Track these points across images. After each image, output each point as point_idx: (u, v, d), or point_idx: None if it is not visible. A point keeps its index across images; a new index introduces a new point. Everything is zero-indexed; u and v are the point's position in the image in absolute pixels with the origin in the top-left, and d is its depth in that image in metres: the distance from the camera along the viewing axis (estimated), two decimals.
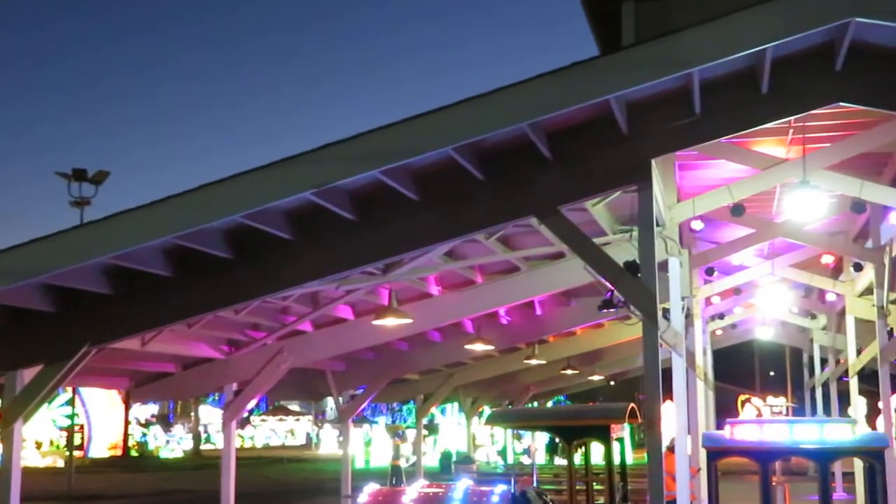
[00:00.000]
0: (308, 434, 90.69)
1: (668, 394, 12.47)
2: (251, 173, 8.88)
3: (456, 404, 45.98)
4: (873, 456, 11.85)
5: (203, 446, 77.00)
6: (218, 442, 69.95)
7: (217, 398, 64.92)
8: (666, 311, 12.91)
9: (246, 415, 76.98)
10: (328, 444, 76.99)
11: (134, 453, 72.17)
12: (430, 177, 9.56)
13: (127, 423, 72.35)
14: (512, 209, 9.78)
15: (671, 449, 14.97)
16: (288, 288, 10.85)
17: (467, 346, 19.47)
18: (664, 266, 12.77)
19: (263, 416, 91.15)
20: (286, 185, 8.88)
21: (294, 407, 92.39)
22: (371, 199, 9.65)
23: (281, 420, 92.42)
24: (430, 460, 46.07)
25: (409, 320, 15.00)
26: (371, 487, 16.72)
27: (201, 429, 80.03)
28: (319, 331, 16.66)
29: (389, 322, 14.93)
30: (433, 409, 38.69)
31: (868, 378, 25.19)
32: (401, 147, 8.70)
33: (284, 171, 8.87)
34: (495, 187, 9.58)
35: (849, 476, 24.34)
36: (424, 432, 40.43)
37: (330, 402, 71.22)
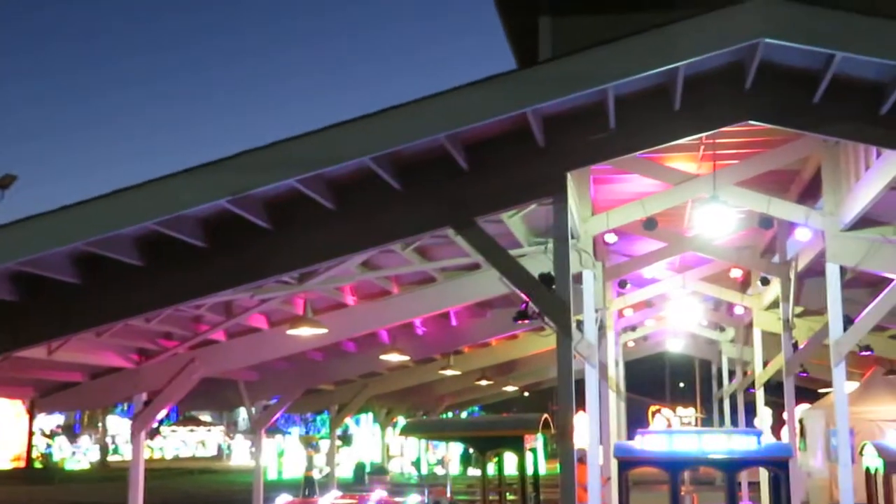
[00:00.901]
0: (220, 445, 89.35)
1: (581, 405, 12.62)
2: (165, 180, 8.74)
3: (370, 415, 45.80)
4: (778, 465, 12.14)
5: (110, 458, 75.30)
6: (126, 453, 68.44)
7: (126, 408, 63.58)
8: (580, 323, 13.07)
9: (156, 425, 75.48)
10: (240, 455, 75.97)
11: (38, 465, 70.17)
12: (348, 186, 9.53)
13: (31, 433, 70.35)
14: (429, 220, 9.80)
15: (581, 459, 15.13)
16: (202, 296, 10.70)
17: (382, 357, 19.42)
18: (578, 278, 12.94)
19: (174, 427, 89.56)
20: (200, 192, 8.76)
21: (205, 417, 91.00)
22: (287, 208, 9.57)
23: (192, 431, 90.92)
24: (344, 471, 45.77)
25: (324, 330, 14.90)
26: (283, 499, 16.58)
27: (109, 440, 78.27)
28: (233, 340, 16.45)
29: (304, 332, 14.81)
30: (347, 420, 38.49)
31: (774, 389, 25.83)
32: (317, 156, 8.66)
33: (199, 177, 8.75)
34: (412, 198, 9.59)
35: (754, 485, 24.89)
36: (338, 443, 40.17)
37: (242, 413, 70.36)
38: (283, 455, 56.36)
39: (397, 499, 16.81)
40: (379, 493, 17.28)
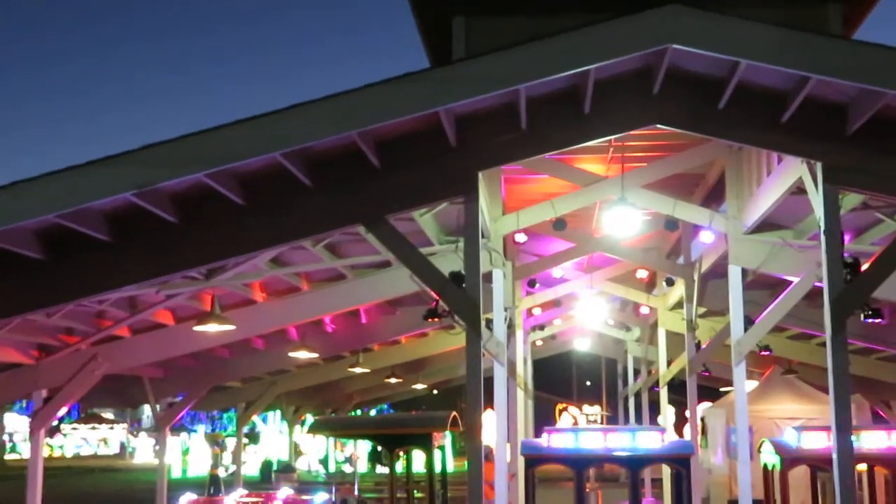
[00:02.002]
0: (122, 443, 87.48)
1: (490, 402, 12.70)
2: (68, 171, 8.53)
3: (278, 412, 45.36)
4: (680, 463, 12.42)
5: (8, 456, 73.11)
6: (24, 451, 66.57)
7: (24, 405, 61.81)
8: (489, 322, 13.14)
9: (56, 423, 73.57)
10: (144, 453, 74.47)
11: None
12: (258, 181, 9.43)
13: None
14: (339, 217, 9.76)
15: (487, 457, 15.24)
16: (105, 292, 10.48)
17: (291, 354, 19.25)
18: (488, 277, 13.01)
19: (75, 425, 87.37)
20: (105, 186, 8.57)
21: (108, 415, 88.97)
22: (195, 202, 9.43)
23: (94, 428, 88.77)
24: (251, 469, 45.28)
25: (232, 327, 14.71)
26: (188, 497, 16.33)
27: (6, 437, 75.97)
28: (137, 336, 16.12)
29: (211, 328, 14.59)
30: (255, 418, 38.08)
31: (677, 388, 26.34)
32: (227, 151, 8.56)
33: (104, 170, 8.56)
34: (323, 194, 9.54)
35: (657, 482, 25.37)
36: (245, 441, 39.70)
37: (146, 410, 69.00)
38: (188, 453, 55.46)
39: (304, 497, 16.68)
40: (285, 491, 17.12)
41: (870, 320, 9.73)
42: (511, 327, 16.98)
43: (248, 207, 9.49)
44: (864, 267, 9.19)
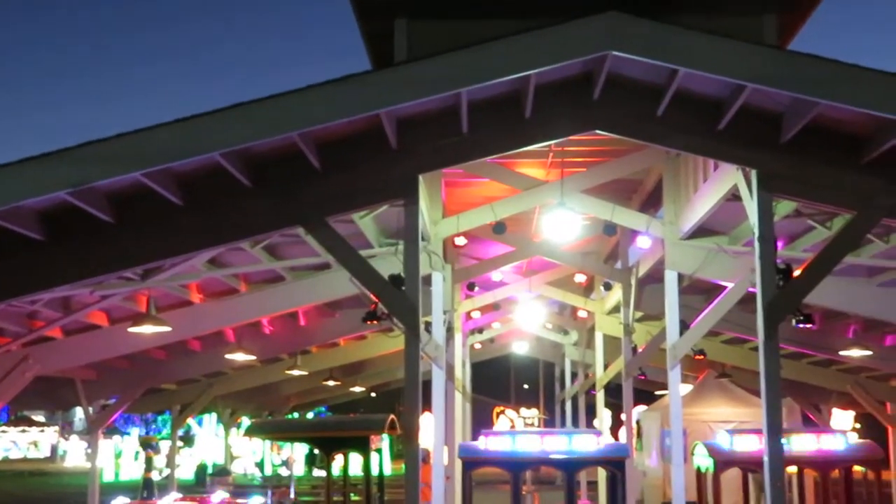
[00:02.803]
0: (53, 446, 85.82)
1: (428, 405, 12.71)
2: (0, 169, 8.36)
3: (214, 415, 44.87)
4: (615, 465, 12.53)
5: None
6: None
7: None
8: (428, 325, 13.17)
9: None
10: (75, 456, 73.14)
11: None
12: (196, 181, 9.34)
13: None
14: (279, 218, 9.70)
15: (424, 460, 15.25)
16: (38, 292, 10.27)
17: (228, 356, 19.05)
18: (428, 280, 13.02)
19: (4, 427, 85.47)
20: (39, 184, 8.42)
21: (39, 417, 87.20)
22: (132, 202, 9.30)
23: (23, 431, 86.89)
24: (185, 473, 44.72)
25: (168, 328, 14.51)
26: (120, 502, 16.07)
27: None
28: (70, 337, 15.83)
29: (147, 329, 14.38)
30: (190, 420, 37.62)
31: (613, 391, 26.62)
32: (164, 150, 8.46)
33: (38, 168, 8.41)
34: (263, 195, 9.48)
35: (593, 484, 25.59)
36: (180, 444, 39.20)
37: (79, 413, 67.80)
38: (120, 456, 54.59)
39: (240, 500, 16.51)
40: (220, 494, 16.93)
41: (801, 325, 9.93)
42: (450, 330, 17.00)
43: (186, 207, 9.38)
44: (797, 273, 9.37)
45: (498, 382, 54.06)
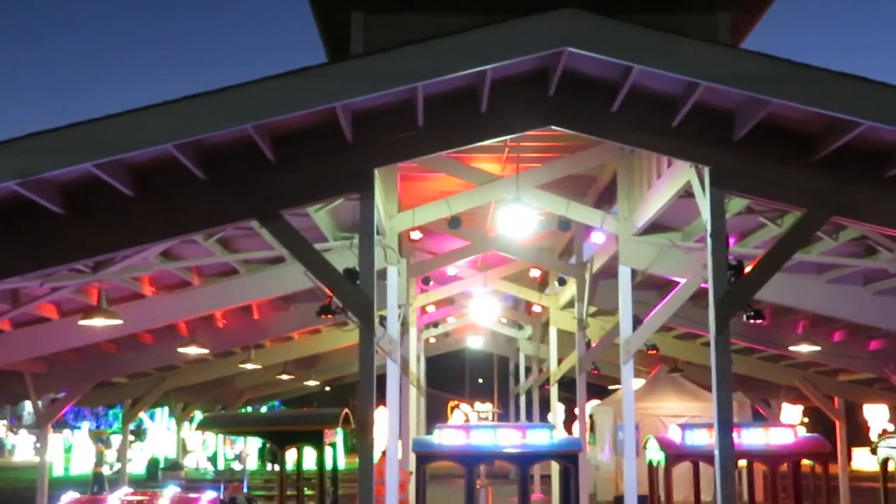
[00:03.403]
0: (1, 440, 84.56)
1: (382, 399, 12.70)
2: None
3: (166, 409, 44.49)
4: (568, 459, 12.61)
5: None
6: None
7: None
8: (383, 319, 13.15)
9: None
10: (24, 450, 72.11)
11: None
12: (149, 173, 9.23)
13: None
14: (233, 211, 9.63)
15: (383, 454, 15.25)
16: None
17: (181, 350, 18.90)
18: (383, 274, 13.01)
19: None
20: None
21: None
22: (83, 193, 9.18)
23: None
24: (137, 467, 44.27)
25: (120, 321, 14.37)
26: (70, 496, 15.87)
27: None
28: (19, 330, 15.60)
29: (98, 322, 14.22)
30: (141, 414, 37.26)
31: (567, 386, 26.80)
32: (116, 141, 8.36)
33: None
34: (217, 188, 9.40)
35: (546, 478, 25.74)
36: (131, 438, 38.82)
37: (28, 406, 66.85)
38: (70, 451, 53.93)
39: (192, 495, 16.37)
40: (172, 489, 16.79)
41: (752, 321, 10.06)
42: (405, 324, 17.00)
43: (139, 199, 9.28)
44: (748, 269, 9.49)
45: (452, 377, 54.18)
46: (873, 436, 36.20)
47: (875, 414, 39.58)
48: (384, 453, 14.52)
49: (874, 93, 8.49)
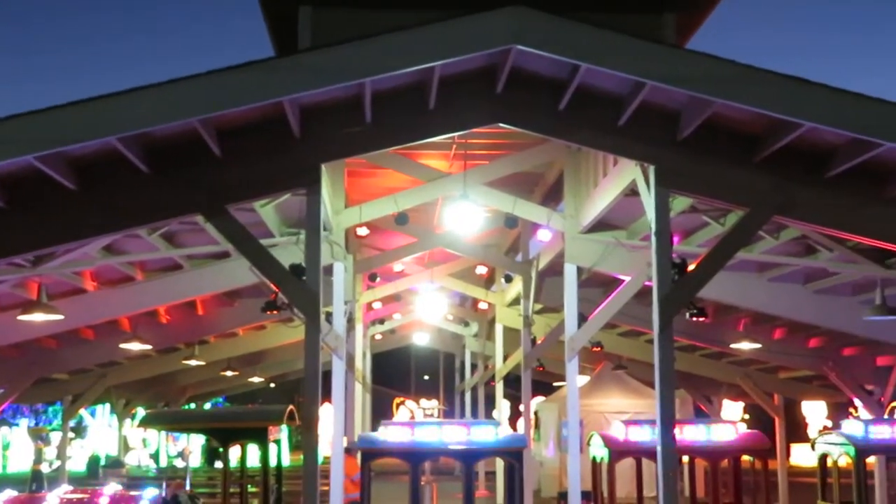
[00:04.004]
0: None
1: (328, 396, 12.65)
2: None
3: (108, 405, 43.92)
4: (513, 456, 12.64)
5: None
6: None
7: None
8: (329, 315, 13.10)
9: None
10: None
11: None
12: (92, 166, 9.10)
13: None
14: (177, 205, 9.53)
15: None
16: None
17: (123, 345, 18.64)
18: (329, 270, 12.96)
19: None
20: None
21: None
22: (23, 186, 9.02)
23: None
24: (77, 464, 43.62)
25: (60, 316, 14.13)
26: (7, 494, 15.59)
27: None
28: None
29: (37, 317, 13.97)
30: (82, 411, 36.71)
31: (512, 382, 26.91)
32: (58, 133, 8.22)
33: None
34: (161, 182, 9.29)
35: (491, 475, 25.83)
36: (71, 435, 38.24)
37: None
38: (8, 448, 52.97)
39: (133, 493, 16.17)
40: (113, 486, 16.56)
41: (695, 318, 10.18)
42: (351, 321, 16.97)
43: (81, 193, 9.14)
44: (691, 268, 9.60)
45: (398, 373, 54.18)
46: (811, 432, 36.91)
47: (813, 410, 40.30)
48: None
49: (815, 94, 8.64)
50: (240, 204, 9.95)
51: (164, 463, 43.33)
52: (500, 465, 21.15)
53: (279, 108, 8.83)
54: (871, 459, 16.98)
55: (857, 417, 17.44)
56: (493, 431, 12.59)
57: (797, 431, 39.41)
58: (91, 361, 21.35)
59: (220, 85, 8.42)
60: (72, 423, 29.93)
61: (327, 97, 9.11)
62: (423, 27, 8.56)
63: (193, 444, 40.84)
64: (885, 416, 19.05)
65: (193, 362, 23.59)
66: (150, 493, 14.47)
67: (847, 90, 8.66)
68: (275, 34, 12.34)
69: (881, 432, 14.45)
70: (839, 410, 30.88)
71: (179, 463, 42.09)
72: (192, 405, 37.84)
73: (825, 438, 15.13)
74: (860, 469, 13.98)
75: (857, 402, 20.40)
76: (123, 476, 31.16)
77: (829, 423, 40.04)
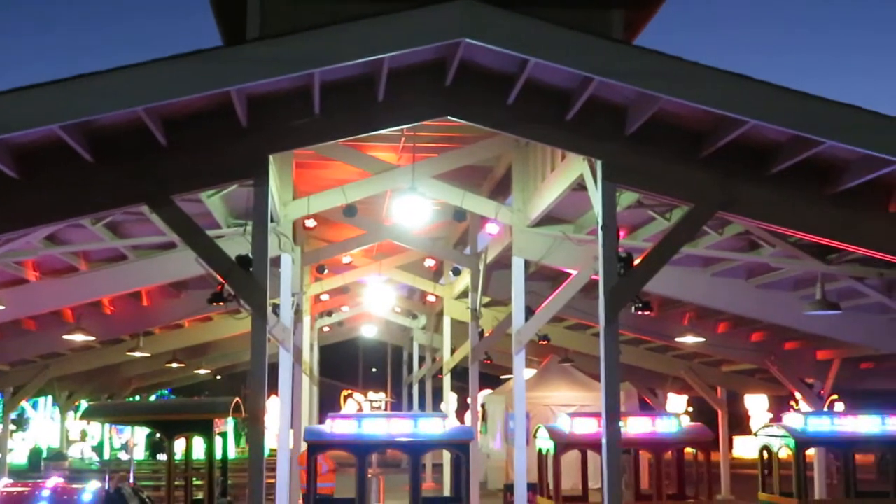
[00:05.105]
0: None
1: (274, 388, 12.59)
2: None
3: (50, 398, 43.32)
4: (460, 448, 12.71)
5: None
6: None
7: None
8: (276, 307, 13.03)
9: None
10: None
11: None
12: (35, 154, 8.95)
13: None
14: (122, 195, 9.41)
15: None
16: None
17: (66, 336, 18.39)
18: (276, 262, 12.89)
19: None
20: None
21: None
22: None
23: None
24: (18, 457, 42.94)
25: (1, 307, 13.92)
26: None
27: None
28: None
29: None
30: (24, 403, 36.14)
31: (460, 375, 26.98)
32: None
33: None
34: (106, 171, 9.17)
35: (438, 467, 25.88)
36: (12, 427, 37.63)
37: None
38: None
39: (75, 486, 15.95)
40: (55, 480, 16.33)
41: (640, 312, 10.29)
42: (298, 313, 16.88)
43: (23, 181, 8.99)
44: (637, 262, 9.70)
45: (346, 366, 54.04)
46: (754, 425, 37.46)
47: (755, 403, 40.90)
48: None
49: (759, 92, 8.77)
50: (186, 194, 9.86)
51: (107, 456, 42.81)
52: (447, 457, 21.20)
53: (227, 97, 8.75)
54: (811, 451, 17.30)
55: (798, 410, 17.75)
56: (440, 424, 12.64)
57: (739, 424, 39.99)
58: (33, 353, 21.05)
59: (166, 74, 8.32)
60: (13, 416, 29.44)
61: (276, 88, 9.06)
62: (373, 19, 8.54)
63: (138, 437, 40.40)
64: (825, 409, 19.47)
65: (138, 354, 23.33)
66: (93, 486, 14.27)
67: (790, 88, 8.80)
68: (223, 24, 12.22)
69: (820, 425, 14.76)
70: (780, 403, 31.41)
71: (123, 456, 41.62)
72: (137, 397, 37.43)
73: (766, 431, 15.40)
74: (800, 461, 14.25)
75: (797, 395, 20.81)
76: (66, 469, 30.73)
77: (771, 416, 40.72)
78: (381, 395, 44.15)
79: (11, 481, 16.86)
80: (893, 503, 14.54)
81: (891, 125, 8.76)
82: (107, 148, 9.08)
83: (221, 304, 9.93)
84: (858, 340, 17.12)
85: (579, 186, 11.06)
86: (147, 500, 15.28)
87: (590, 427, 13.94)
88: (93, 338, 18.97)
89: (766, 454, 15.20)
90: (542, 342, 17.90)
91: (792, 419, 15.01)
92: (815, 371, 20.40)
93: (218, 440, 13.77)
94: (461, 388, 30.82)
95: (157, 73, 8.29)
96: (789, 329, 18.04)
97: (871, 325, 16.26)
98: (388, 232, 18.33)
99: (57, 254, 14.09)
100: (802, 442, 14.42)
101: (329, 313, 29.91)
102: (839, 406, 22.27)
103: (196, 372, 33.36)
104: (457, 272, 21.08)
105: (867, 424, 14.62)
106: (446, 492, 20.62)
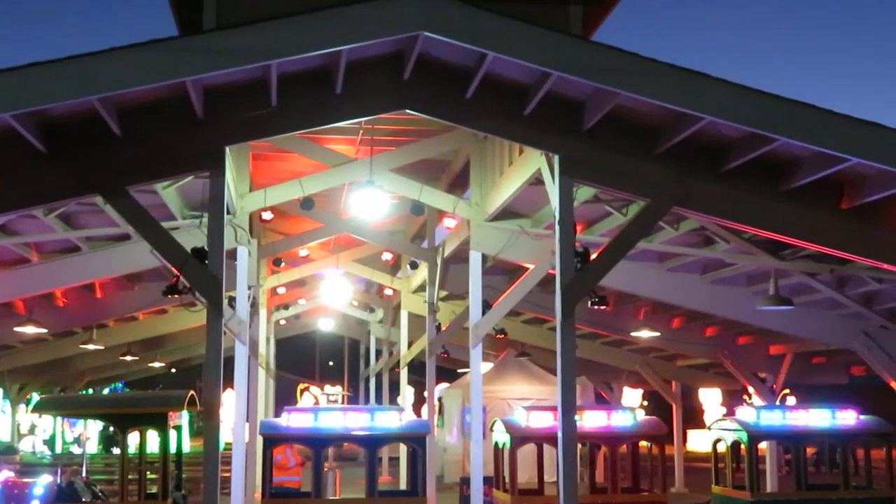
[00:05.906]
0: None
1: (230, 382, 12.52)
2: None
3: (1, 391, 42.72)
4: (416, 441, 12.73)
5: None
6: None
7: None
8: (232, 300, 12.96)
9: None
10: None
11: None
12: None
13: None
14: (75, 186, 9.30)
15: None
16: None
17: (17, 329, 18.13)
18: (233, 254, 12.80)
19: None
20: None
21: None
22: None
23: None
24: None
25: None
26: None
27: None
28: None
29: None
30: None
31: (417, 369, 27.00)
32: None
33: None
34: (59, 161, 9.04)
35: (395, 461, 25.88)
36: None
37: None
38: None
39: (26, 480, 15.77)
40: (5, 474, 16.14)
41: (596, 307, 10.35)
42: (254, 306, 16.79)
43: None
44: (594, 257, 9.76)
45: (303, 359, 53.83)
46: (707, 419, 37.85)
47: (709, 397, 41.33)
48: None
49: (714, 89, 8.85)
50: (140, 185, 9.76)
51: (59, 449, 42.29)
52: (403, 450, 21.21)
53: (182, 88, 8.67)
54: (763, 445, 17.52)
55: (751, 404, 17.97)
56: (396, 417, 12.64)
57: (694, 418, 40.38)
58: None
59: (121, 63, 8.22)
60: None
61: (232, 79, 8.99)
62: (331, 10, 8.49)
63: (91, 431, 39.95)
64: (777, 403, 19.73)
65: (91, 346, 23.09)
66: (45, 480, 14.13)
67: (745, 85, 8.89)
68: (178, 13, 12.10)
69: (773, 418, 14.97)
70: (734, 397, 31.75)
71: (76, 449, 41.13)
72: (91, 390, 37.02)
73: (720, 424, 15.57)
74: (752, 454, 14.44)
75: (750, 389, 21.07)
76: (17, 463, 30.32)
77: (724, 410, 41.17)
78: (338, 388, 44.09)
79: None
80: (843, 494, 14.77)
81: (843, 123, 8.89)
82: (60, 138, 8.96)
83: (176, 296, 9.85)
84: (810, 335, 17.36)
85: (537, 181, 11.09)
86: (100, 493, 15.14)
87: (546, 421, 13.99)
88: (45, 330, 18.73)
89: (719, 447, 15.38)
90: (499, 336, 17.94)
91: (745, 413, 15.19)
92: (768, 365, 20.66)
93: (172, 434, 13.66)
94: (418, 381, 30.85)
95: (111, 63, 8.19)
96: (743, 324, 18.27)
97: (822, 321, 16.49)
98: (345, 225, 18.28)
99: (8, 245, 13.89)
100: (755, 435, 14.61)
101: (286, 306, 29.80)
102: (791, 400, 22.55)
103: (151, 365, 33.07)
104: (414, 266, 21.07)
105: (818, 418, 14.86)
106: (403, 485, 20.64)
